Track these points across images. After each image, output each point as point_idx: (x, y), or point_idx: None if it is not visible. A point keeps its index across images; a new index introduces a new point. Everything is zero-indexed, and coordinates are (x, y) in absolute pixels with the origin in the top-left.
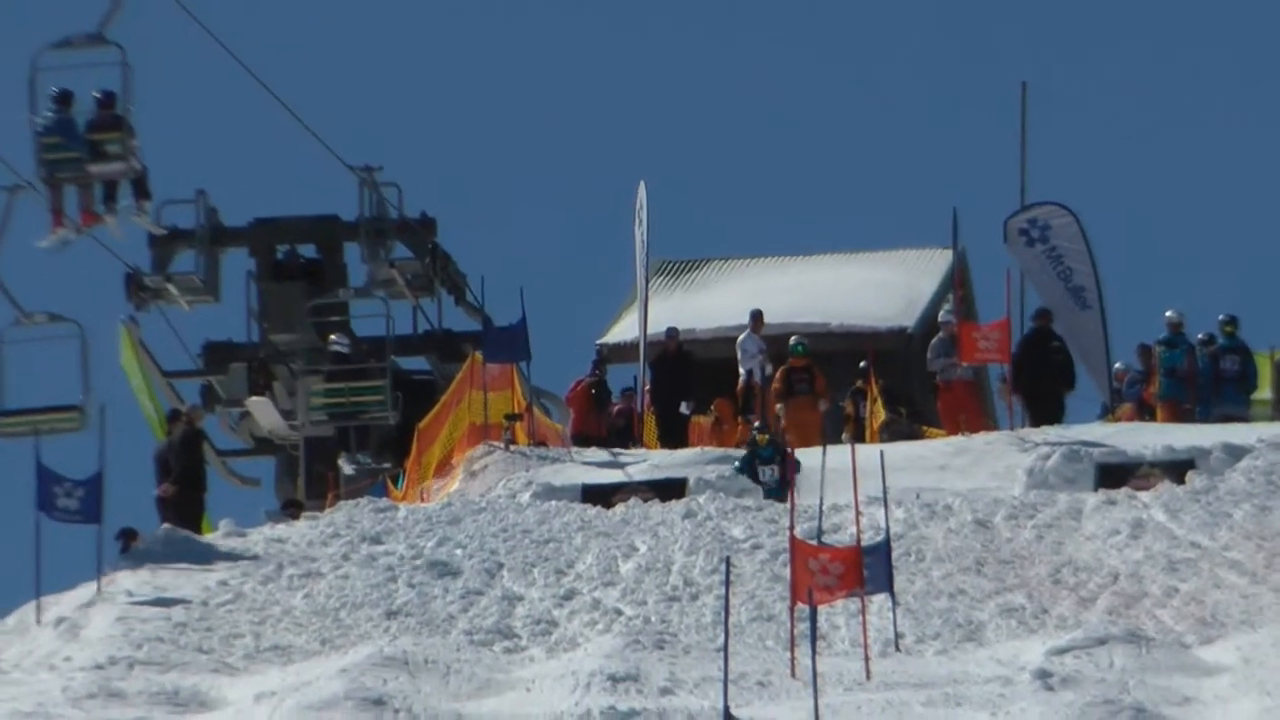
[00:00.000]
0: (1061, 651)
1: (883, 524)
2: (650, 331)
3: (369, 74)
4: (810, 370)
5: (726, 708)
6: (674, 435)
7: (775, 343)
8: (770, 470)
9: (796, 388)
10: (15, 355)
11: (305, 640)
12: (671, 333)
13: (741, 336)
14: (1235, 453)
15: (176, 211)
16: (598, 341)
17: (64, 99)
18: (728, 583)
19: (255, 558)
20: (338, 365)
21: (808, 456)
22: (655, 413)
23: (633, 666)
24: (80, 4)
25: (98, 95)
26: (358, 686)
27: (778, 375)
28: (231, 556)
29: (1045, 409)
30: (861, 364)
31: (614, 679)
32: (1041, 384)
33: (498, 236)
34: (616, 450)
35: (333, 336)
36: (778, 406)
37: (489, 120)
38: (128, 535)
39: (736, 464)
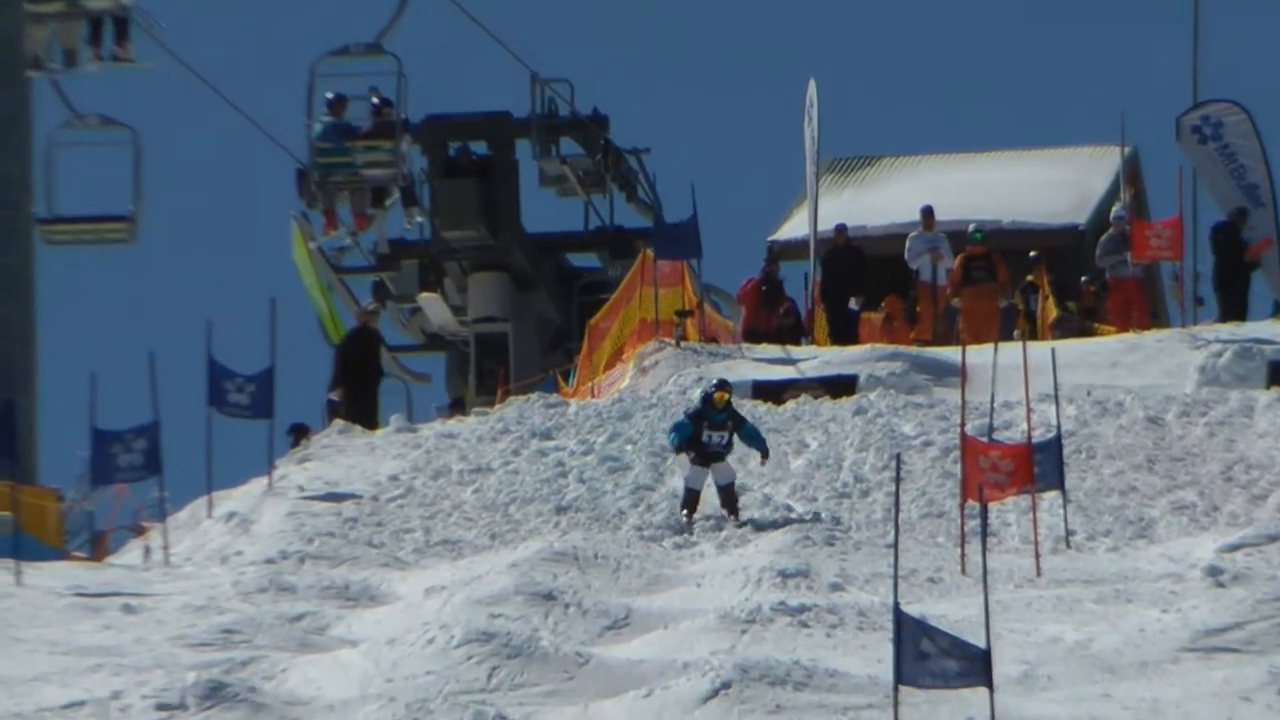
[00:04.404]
0: (1232, 549)
1: (1054, 421)
2: (820, 229)
3: None
4: (990, 258)
5: (896, 604)
6: (844, 332)
7: (951, 239)
8: (720, 436)
9: (974, 275)
10: (68, 160)
11: (475, 535)
12: (840, 228)
13: (911, 234)
14: None
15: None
16: (768, 239)
17: (338, 105)
18: (898, 479)
19: (426, 453)
20: None
21: (980, 354)
22: (825, 309)
23: (803, 562)
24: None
25: (375, 101)
26: (528, 581)
27: (956, 263)
28: (402, 452)
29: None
30: (1032, 254)
31: (784, 575)
32: (1232, 277)
33: (669, 134)
34: (788, 347)
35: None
36: (954, 300)
37: (662, 19)
38: (299, 431)
39: (682, 417)
